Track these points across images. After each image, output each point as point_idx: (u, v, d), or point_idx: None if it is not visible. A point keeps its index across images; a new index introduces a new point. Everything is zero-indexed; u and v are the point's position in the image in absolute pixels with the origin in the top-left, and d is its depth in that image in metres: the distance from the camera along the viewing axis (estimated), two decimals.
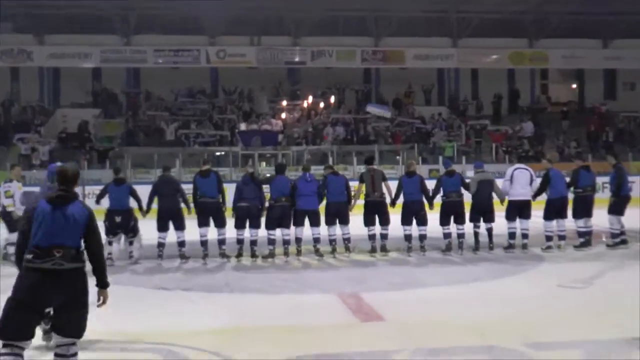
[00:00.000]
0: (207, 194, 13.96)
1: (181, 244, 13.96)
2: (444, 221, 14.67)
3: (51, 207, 6.34)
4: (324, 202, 14.43)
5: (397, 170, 26.47)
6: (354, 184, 15.07)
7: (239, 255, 14.07)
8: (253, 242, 14.15)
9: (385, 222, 14.50)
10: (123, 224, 13.64)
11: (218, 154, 28.28)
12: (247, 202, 13.94)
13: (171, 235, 14.09)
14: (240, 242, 14.10)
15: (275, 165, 15.19)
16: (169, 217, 13.86)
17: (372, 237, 14.43)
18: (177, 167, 24.24)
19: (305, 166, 15.34)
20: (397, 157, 28.36)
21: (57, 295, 6.22)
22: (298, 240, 14.22)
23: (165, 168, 14.72)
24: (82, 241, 6.44)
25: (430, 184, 15.02)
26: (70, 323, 6.34)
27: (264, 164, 27.47)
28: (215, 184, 13.96)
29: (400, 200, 14.63)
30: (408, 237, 14.44)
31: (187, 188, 14.62)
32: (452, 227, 14.69)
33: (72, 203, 6.41)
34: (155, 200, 14.02)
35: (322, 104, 33.22)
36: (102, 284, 6.64)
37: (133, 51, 33.81)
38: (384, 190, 14.54)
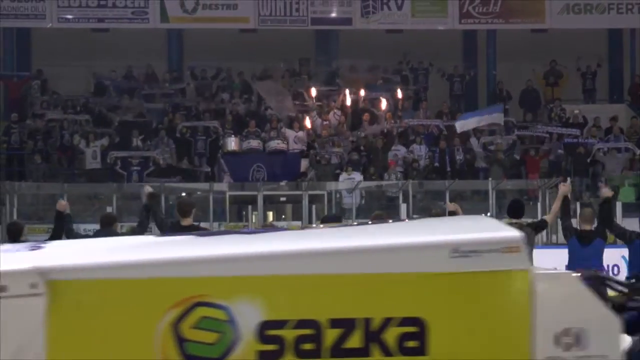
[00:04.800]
0: None
1: None
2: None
3: None
4: None
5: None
6: None
7: None
8: None
9: None
10: None
11: (183, 194, 23.17)
12: None
13: None
14: None
15: (323, 220, 12.25)
16: None
17: None
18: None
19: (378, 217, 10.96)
20: (532, 202, 22.44)
21: None
22: None
23: (107, 219, 11.63)
24: None
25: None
26: None
27: (271, 215, 23.35)
28: None
29: None
30: None
31: None
32: None
33: None
34: None
35: (384, 101, 27.06)
36: None
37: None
38: None
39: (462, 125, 25.13)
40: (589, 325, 4.03)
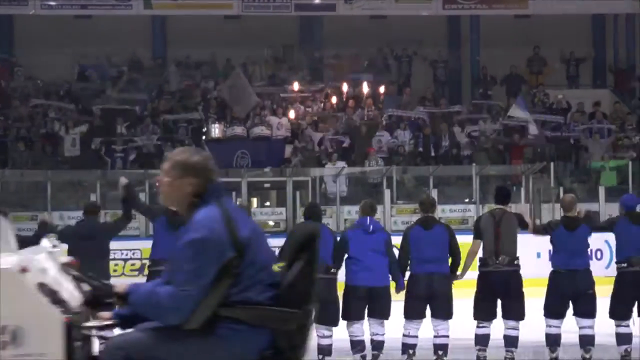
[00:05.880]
0: None
1: None
2: (619, 310, 10.40)
3: None
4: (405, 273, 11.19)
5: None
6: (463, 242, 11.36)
7: None
8: None
9: (517, 312, 10.33)
10: None
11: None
12: None
13: None
14: None
15: (306, 208, 11.44)
16: None
17: (482, 339, 10.29)
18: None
19: (367, 206, 10.99)
20: (515, 188, 21.88)
21: None
22: (356, 346, 10.41)
23: (90, 208, 11.89)
24: None
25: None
26: None
27: (255, 201, 23.42)
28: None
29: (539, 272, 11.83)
30: (553, 339, 10.37)
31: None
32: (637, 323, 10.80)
33: None
34: None
35: (365, 87, 26.80)
36: None
37: None
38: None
39: (515, 112, 24.21)
40: (28, 323, 3.99)
